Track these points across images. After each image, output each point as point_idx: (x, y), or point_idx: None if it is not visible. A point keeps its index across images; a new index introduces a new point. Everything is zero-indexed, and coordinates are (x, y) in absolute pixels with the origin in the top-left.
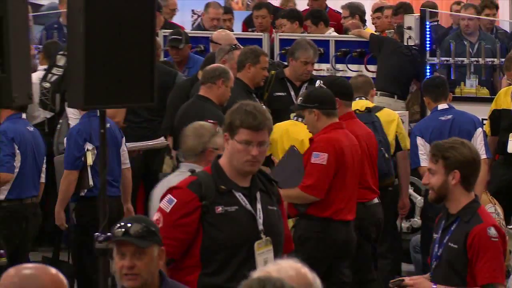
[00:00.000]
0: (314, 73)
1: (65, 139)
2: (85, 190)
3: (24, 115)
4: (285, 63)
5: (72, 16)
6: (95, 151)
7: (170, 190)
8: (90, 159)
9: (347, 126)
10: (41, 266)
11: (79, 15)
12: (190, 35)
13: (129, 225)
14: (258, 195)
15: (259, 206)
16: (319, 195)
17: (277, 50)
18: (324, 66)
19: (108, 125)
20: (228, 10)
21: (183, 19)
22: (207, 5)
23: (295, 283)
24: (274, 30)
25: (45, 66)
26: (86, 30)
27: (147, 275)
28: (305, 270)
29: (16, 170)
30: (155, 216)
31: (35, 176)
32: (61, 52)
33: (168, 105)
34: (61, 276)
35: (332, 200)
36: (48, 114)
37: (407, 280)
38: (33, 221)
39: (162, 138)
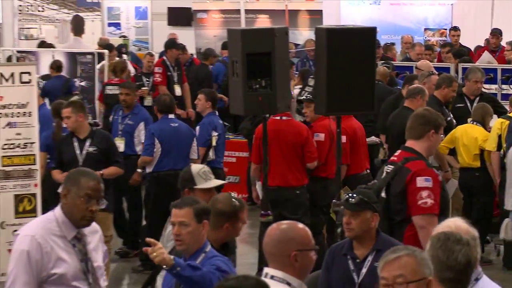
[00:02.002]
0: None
1: (197, 127)
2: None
3: (171, 116)
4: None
5: (318, 51)
6: (217, 137)
7: (425, 172)
8: (213, 142)
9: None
10: (293, 222)
11: (323, 50)
12: (401, 64)
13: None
14: None
15: None
16: None
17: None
18: (493, 86)
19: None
20: (429, 47)
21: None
22: (414, 44)
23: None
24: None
25: (300, 86)
26: (328, 61)
27: (360, 230)
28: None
29: (156, 154)
30: (424, 193)
31: (176, 156)
32: (311, 76)
33: (381, 112)
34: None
35: None
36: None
37: None
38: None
39: (373, 137)
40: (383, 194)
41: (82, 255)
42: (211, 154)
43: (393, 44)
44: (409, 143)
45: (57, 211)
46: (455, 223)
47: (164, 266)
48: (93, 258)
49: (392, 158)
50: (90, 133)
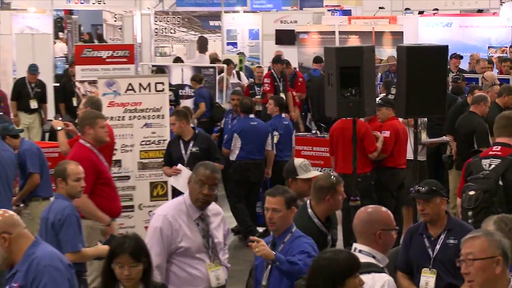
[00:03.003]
0: None
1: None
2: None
3: (251, 115)
4: None
5: (399, 65)
6: (278, 136)
7: None
8: (275, 139)
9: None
10: (378, 206)
11: (404, 64)
12: (469, 76)
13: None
14: None
15: None
16: None
17: None
18: None
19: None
20: (490, 61)
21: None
22: (478, 60)
23: None
24: None
25: (384, 94)
26: (407, 74)
27: (432, 214)
28: None
29: (235, 147)
30: None
31: (253, 148)
32: (393, 86)
33: (449, 116)
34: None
35: None
36: None
37: None
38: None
39: (444, 136)
40: (500, 182)
41: (205, 232)
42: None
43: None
44: (504, 140)
45: (186, 195)
46: None
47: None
48: (214, 235)
49: (491, 152)
50: (193, 136)
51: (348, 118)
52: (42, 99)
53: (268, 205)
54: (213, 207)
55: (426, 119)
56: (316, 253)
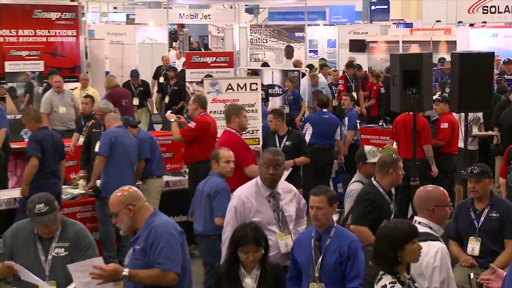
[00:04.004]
0: None
1: (346, 118)
2: None
3: (325, 110)
4: None
5: (453, 68)
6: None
7: None
8: (358, 126)
9: None
10: (435, 186)
11: (456, 68)
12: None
13: (474, 168)
14: None
15: None
16: None
17: None
18: None
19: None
20: None
21: None
22: None
23: None
24: None
25: (440, 92)
26: (459, 75)
27: (481, 191)
28: None
29: (307, 134)
30: None
31: (323, 136)
32: (447, 86)
33: (494, 111)
34: (445, 191)
35: None
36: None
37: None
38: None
39: (490, 131)
40: None
41: (275, 207)
42: (356, 135)
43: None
44: None
45: (258, 177)
46: None
47: None
48: (284, 210)
49: None
50: (287, 132)
51: (410, 113)
52: (146, 95)
53: (312, 204)
54: (285, 185)
55: (480, 115)
56: (359, 243)
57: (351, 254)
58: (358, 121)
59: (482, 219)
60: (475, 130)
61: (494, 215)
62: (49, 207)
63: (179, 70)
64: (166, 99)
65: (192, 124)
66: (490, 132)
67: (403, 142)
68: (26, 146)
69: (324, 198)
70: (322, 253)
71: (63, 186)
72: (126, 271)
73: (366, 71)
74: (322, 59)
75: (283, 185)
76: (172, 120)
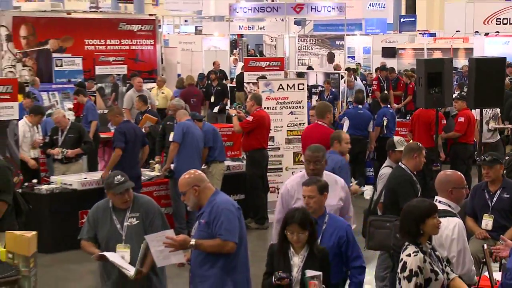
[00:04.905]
0: None
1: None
2: None
3: (360, 106)
4: None
5: (470, 71)
6: (387, 120)
7: None
8: (385, 122)
9: None
10: (453, 171)
11: (473, 71)
12: None
13: (487, 155)
14: None
15: None
16: None
17: None
18: None
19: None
20: None
21: None
22: None
23: None
24: None
25: (458, 92)
26: (476, 77)
27: (494, 176)
28: None
29: (344, 126)
30: None
31: (357, 128)
32: (465, 86)
33: (505, 107)
34: (462, 175)
35: None
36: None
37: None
38: None
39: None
40: None
41: None
42: (384, 130)
43: None
44: None
45: (305, 170)
46: None
47: None
48: None
49: None
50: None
51: (426, 109)
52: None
53: (304, 193)
54: (329, 177)
55: (497, 111)
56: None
57: (349, 238)
58: (385, 118)
59: (495, 199)
60: (492, 124)
61: (505, 195)
62: (124, 178)
63: (237, 73)
64: (212, 98)
65: (249, 118)
66: (505, 126)
67: (417, 133)
68: (112, 137)
69: (314, 188)
70: (320, 236)
71: (142, 170)
72: (193, 241)
73: (397, 74)
74: (358, 63)
75: (327, 177)
76: (233, 114)
